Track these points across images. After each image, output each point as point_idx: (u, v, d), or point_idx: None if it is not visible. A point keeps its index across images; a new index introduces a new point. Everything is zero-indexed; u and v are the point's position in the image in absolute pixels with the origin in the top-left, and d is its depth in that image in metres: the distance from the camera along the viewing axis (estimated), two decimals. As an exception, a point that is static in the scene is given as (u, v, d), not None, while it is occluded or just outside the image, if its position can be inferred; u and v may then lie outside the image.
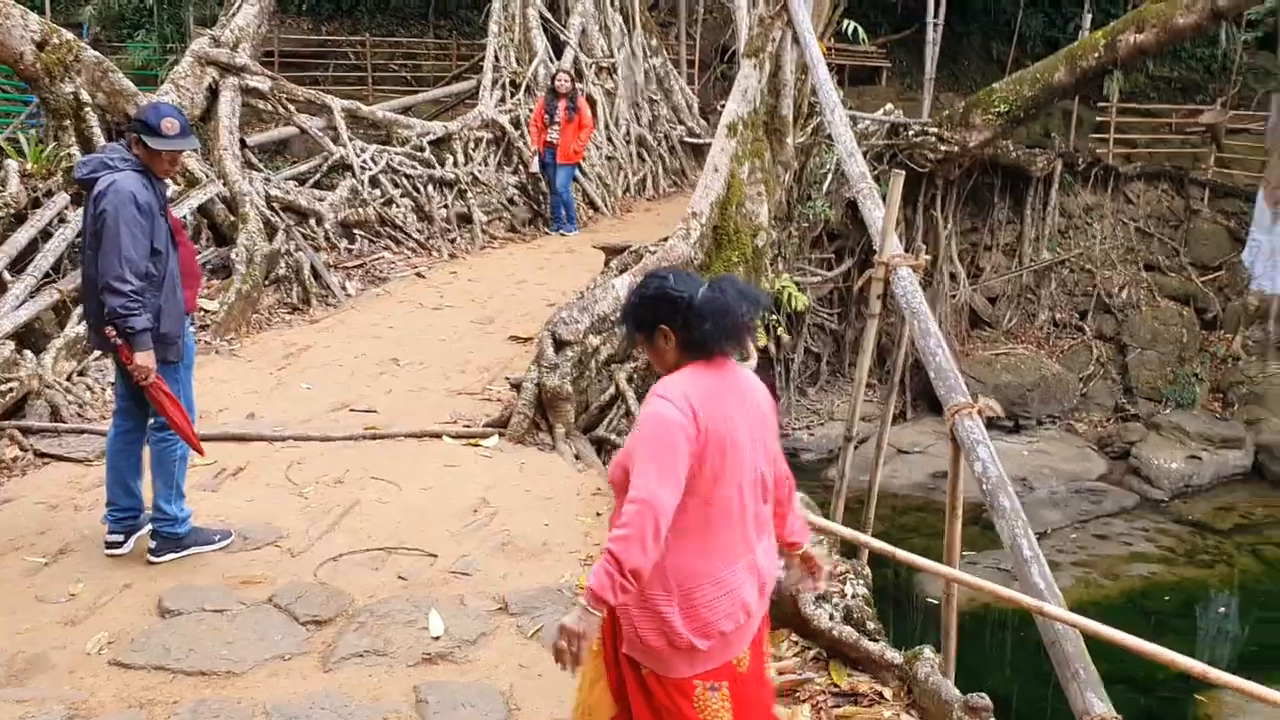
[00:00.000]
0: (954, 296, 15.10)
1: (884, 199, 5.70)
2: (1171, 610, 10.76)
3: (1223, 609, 11.02)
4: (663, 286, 2.84)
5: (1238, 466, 13.67)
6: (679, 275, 2.91)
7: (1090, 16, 16.20)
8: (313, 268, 10.16)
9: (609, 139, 15.34)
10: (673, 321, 2.80)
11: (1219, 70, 18.38)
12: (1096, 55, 13.34)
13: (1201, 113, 17.17)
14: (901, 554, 4.00)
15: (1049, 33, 18.84)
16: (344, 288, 10.39)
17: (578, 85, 13.85)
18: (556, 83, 13.06)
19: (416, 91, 17.55)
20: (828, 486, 8.47)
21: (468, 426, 7.05)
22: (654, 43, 17.20)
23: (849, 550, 5.42)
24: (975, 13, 19.47)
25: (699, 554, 2.76)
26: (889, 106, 14.67)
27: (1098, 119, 17.01)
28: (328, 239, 11.08)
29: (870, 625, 4.51)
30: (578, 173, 13.81)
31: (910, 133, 14.11)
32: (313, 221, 11.05)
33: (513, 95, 14.54)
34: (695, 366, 2.81)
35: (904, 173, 5.43)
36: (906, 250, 6.85)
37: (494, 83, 14.54)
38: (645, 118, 16.33)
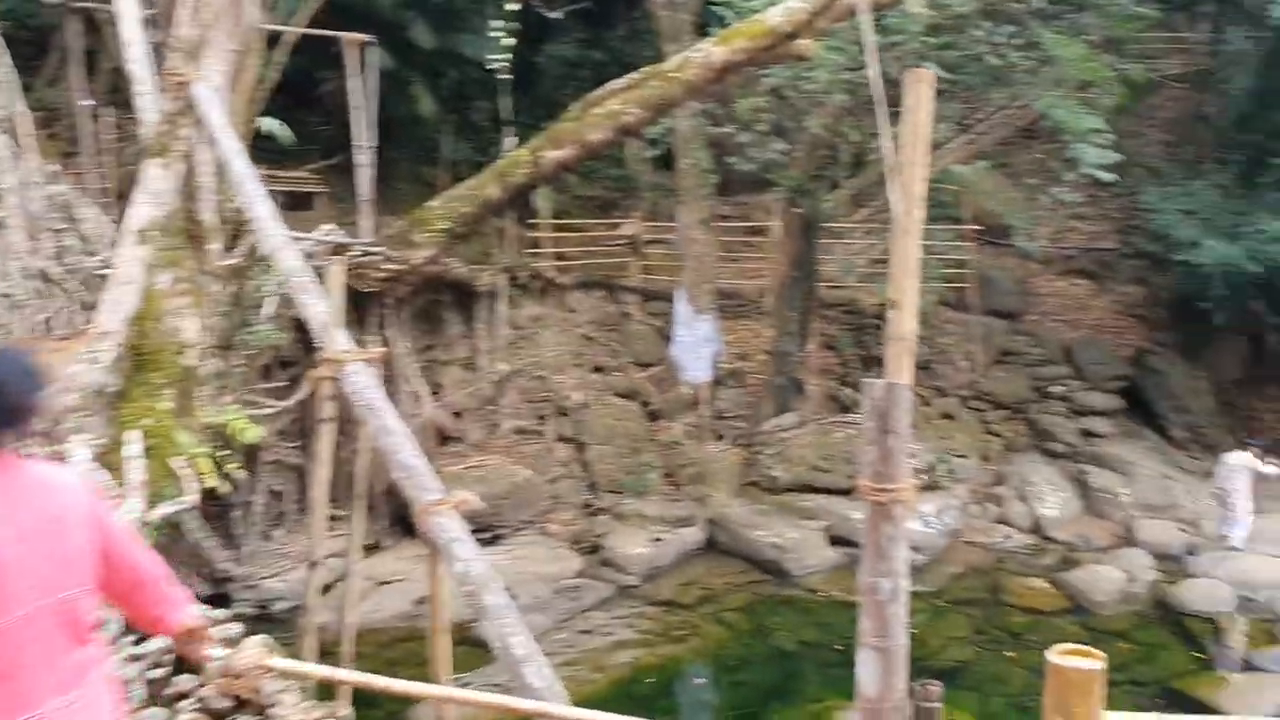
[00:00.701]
0: (418, 416, 14.82)
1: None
2: (658, 690, 11.07)
3: (701, 679, 11.56)
4: None
5: (694, 542, 14.68)
6: None
7: (516, 140, 17.09)
8: None
9: (2, 273, 13.20)
10: None
11: (630, 189, 20.35)
12: (523, 171, 14.04)
13: (621, 226, 18.79)
14: (381, 681, 3.39)
15: (476, 157, 19.66)
16: None
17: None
18: (-76, 209, 11.00)
19: None
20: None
21: None
22: (55, 169, 15.28)
23: (325, 694, 4.67)
24: (403, 140, 19.81)
25: None
26: (331, 226, 14.24)
27: (532, 235, 17.92)
28: None
29: (357, 776, 3.81)
30: (-38, 313, 11.68)
31: (354, 252, 13.77)
32: None
33: None
34: None
35: (345, 260, 4.95)
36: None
37: None
38: (48, 249, 14.33)
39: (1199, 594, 13.12)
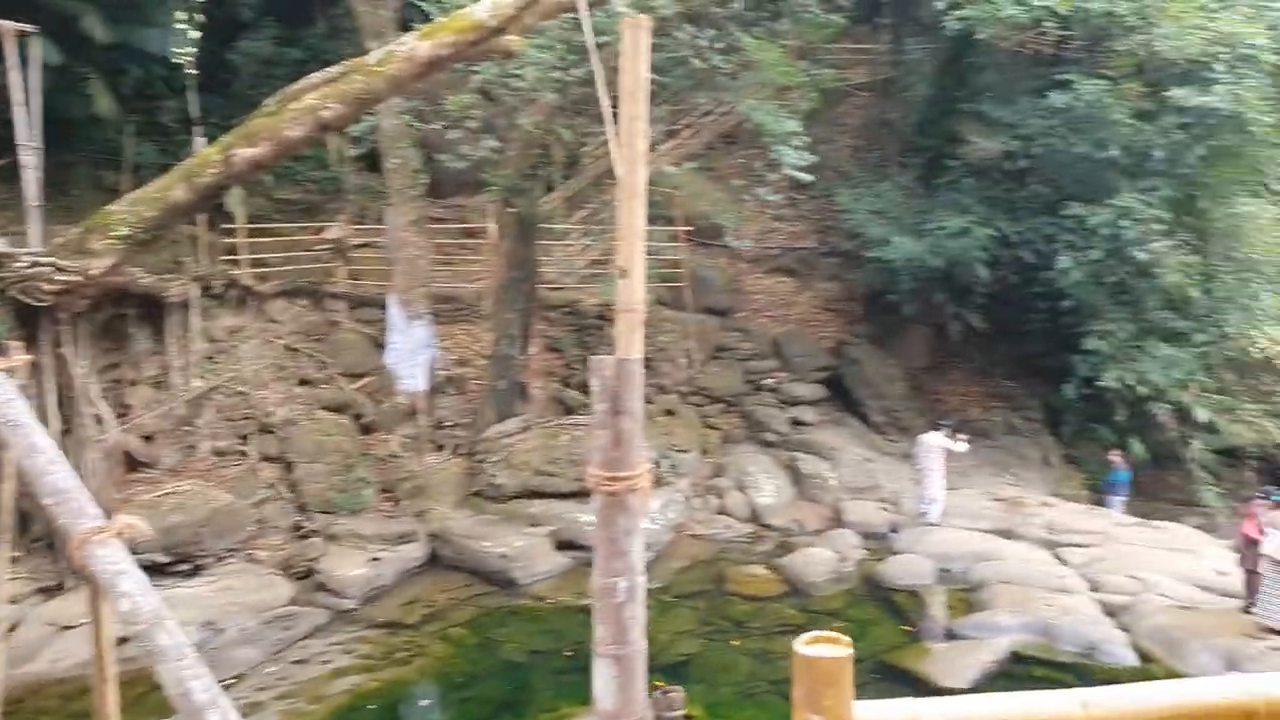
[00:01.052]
0: (102, 441, 13.38)
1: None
2: (382, 717, 10.47)
3: (427, 700, 11.04)
4: None
5: (416, 559, 14.08)
6: None
7: (206, 141, 15.85)
8: None
9: None
10: None
11: (334, 191, 19.36)
12: (213, 170, 12.94)
13: (325, 230, 17.81)
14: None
15: (164, 160, 18.14)
16: None
17: None
18: None
19: None
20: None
21: None
22: None
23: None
24: (79, 141, 18.01)
25: None
26: (-12, 235, 12.62)
27: (227, 241, 16.65)
28: None
29: None
30: None
31: (20, 264, 12.31)
32: None
33: None
34: None
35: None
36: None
37: None
38: None
39: (902, 569, 13.89)
